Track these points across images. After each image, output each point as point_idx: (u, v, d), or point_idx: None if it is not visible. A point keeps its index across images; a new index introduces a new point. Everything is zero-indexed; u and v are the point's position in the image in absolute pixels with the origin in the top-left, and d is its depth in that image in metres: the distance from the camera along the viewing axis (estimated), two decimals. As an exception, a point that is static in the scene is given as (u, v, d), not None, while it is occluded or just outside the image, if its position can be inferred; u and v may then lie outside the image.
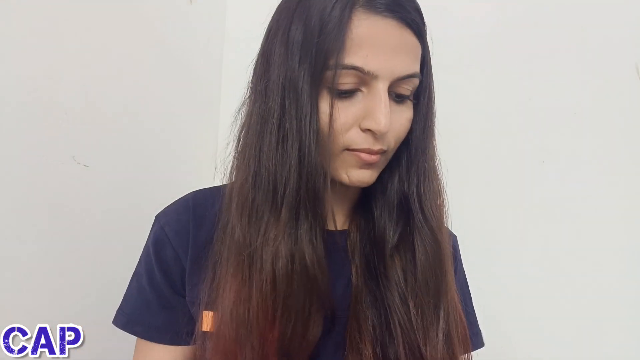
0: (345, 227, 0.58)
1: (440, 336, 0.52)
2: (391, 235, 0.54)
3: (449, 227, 0.68)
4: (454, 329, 0.53)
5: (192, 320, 0.55)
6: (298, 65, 0.47)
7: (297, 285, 0.48)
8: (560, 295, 0.92)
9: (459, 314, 0.55)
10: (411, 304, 0.52)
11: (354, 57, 0.46)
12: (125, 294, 0.60)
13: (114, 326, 0.59)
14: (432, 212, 0.53)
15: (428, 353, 0.51)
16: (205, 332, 0.52)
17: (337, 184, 0.53)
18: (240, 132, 0.53)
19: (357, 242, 0.56)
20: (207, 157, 1.10)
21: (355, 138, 0.48)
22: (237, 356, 0.49)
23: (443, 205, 0.56)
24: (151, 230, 0.59)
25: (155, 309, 0.57)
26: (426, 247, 0.53)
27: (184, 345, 0.56)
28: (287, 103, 0.48)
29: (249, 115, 0.52)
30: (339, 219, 0.58)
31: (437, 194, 0.55)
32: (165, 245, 0.56)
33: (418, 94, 0.52)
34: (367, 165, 0.50)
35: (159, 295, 0.57)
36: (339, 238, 0.57)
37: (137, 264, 0.60)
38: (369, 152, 0.49)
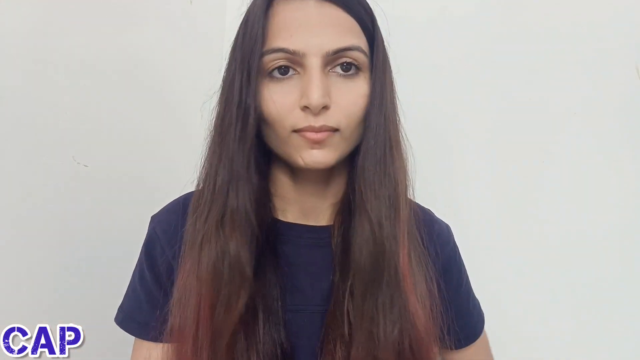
0: (332, 223, 0.59)
1: (382, 332, 0.51)
2: (354, 230, 0.54)
3: (447, 223, 0.67)
4: (404, 328, 0.52)
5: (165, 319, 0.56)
6: (238, 62, 0.51)
7: (223, 272, 0.50)
8: (560, 295, 0.92)
9: (414, 313, 0.53)
10: (358, 299, 0.52)
11: (279, 40, 0.49)
12: (125, 292, 0.62)
13: (114, 326, 0.60)
14: (370, 197, 0.52)
15: (365, 351, 0.51)
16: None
17: (314, 180, 0.56)
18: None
19: (338, 239, 0.56)
20: (207, 157, 1.10)
21: (297, 118, 0.49)
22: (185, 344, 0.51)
23: (398, 192, 0.53)
24: (147, 232, 0.61)
25: (145, 307, 0.58)
26: (361, 236, 0.52)
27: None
28: (228, 98, 0.52)
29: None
30: (325, 215, 0.59)
31: (385, 177, 0.53)
32: (155, 244, 0.58)
33: (371, 71, 0.52)
34: (316, 144, 0.50)
35: (147, 294, 0.58)
36: (324, 234, 0.58)
37: (135, 269, 0.62)
38: (312, 129, 0.49)
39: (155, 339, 0.57)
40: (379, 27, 0.55)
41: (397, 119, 0.55)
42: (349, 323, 0.52)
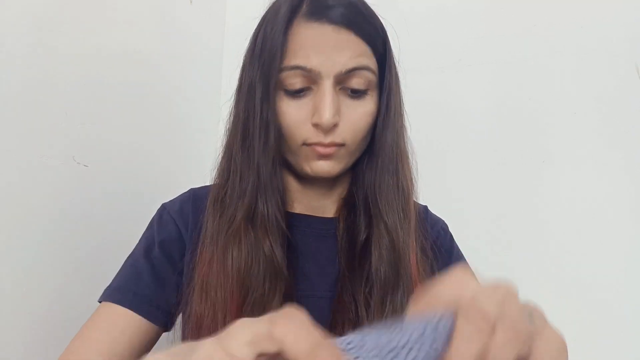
0: (337, 215, 0.62)
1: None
2: (362, 230, 0.58)
3: (443, 220, 0.69)
4: None
5: (178, 303, 0.56)
6: (256, 71, 0.55)
7: (258, 270, 0.53)
8: (560, 295, 0.92)
9: None
10: (371, 295, 0.55)
11: (297, 58, 0.52)
12: (113, 279, 0.59)
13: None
14: (387, 208, 0.57)
15: None
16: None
17: (319, 184, 0.60)
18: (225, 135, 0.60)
19: (343, 231, 0.60)
20: (207, 157, 1.10)
21: (309, 133, 0.53)
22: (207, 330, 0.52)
23: (409, 201, 0.58)
24: (155, 215, 0.62)
25: (147, 279, 0.56)
26: (381, 245, 0.56)
27: (157, 324, 0.55)
28: (249, 106, 0.55)
29: (229, 120, 0.60)
30: (331, 209, 0.63)
31: (398, 189, 0.57)
32: (169, 223, 0.60)
33: (380, 88, 0.57)
34: (324, 157, 0.54)
35: (152, 266, 0.57)
36: (330, 225, 0.61)
37: (133, 251, 0.60)
38: (321, 145, 0.53)
39: (147, 314, 0.54)
40: (390, 48, 0.58)
41: (404, 129, 0.60)
42: (356, 309, 0.55)
